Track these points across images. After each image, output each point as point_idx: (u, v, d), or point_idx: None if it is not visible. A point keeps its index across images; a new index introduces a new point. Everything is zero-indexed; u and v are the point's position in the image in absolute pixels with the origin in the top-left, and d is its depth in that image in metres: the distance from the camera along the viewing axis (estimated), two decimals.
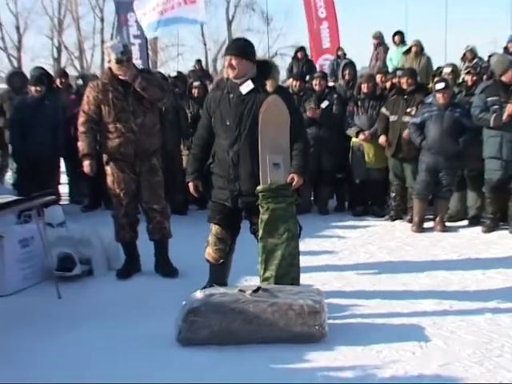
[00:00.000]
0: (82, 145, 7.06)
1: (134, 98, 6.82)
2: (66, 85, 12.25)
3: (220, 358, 4.81)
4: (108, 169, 7.05)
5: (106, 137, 6.94)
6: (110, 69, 6.98)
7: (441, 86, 8.94)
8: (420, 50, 14.21)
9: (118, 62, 6.77)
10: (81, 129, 7.05)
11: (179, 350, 4.99)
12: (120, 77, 6.83)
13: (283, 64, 26.19)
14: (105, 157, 7.08)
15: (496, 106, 8.45)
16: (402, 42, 15.11)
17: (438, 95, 8.92)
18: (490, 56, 13.16)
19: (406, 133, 9.11)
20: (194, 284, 5.69)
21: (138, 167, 7.00)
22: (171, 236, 7.21)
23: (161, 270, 7.13)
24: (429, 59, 14.17)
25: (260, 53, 32.52)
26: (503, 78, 8.70)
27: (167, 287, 6.59)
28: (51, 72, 13.44)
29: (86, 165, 7.04)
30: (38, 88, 9.91)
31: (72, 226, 7.94)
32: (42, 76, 10.78)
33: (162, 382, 4.46)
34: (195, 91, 10.76)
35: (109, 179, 7.05)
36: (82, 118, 7.03)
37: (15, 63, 41.90)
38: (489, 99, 8.59)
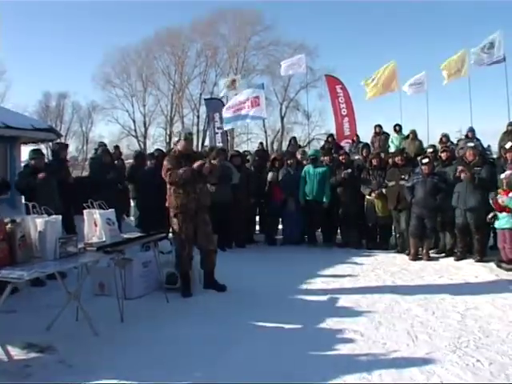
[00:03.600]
0: None
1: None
2: None
3: None
4: (175, 220, 6.74)
5: (177, 196, 6.68)
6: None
7: (425, 161, 9.01)
8: (414, 136, 14.06)
9: (186, 138, 6.88)
10: None
11: None
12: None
13: (318, 145, 26.09)
14: (173, 211, 6.74)
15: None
16: (400, 130, 14.97)
17: (423, 167, 8.97)
18: (458, 141, 13.05)
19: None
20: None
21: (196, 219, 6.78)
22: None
23: (214, 287, 6.93)
24: (421, 142, 13.98)
25: (302, 138, 32.97)
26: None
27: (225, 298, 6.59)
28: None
29: None
30: (152, 161, 10.49)
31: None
32: (154, 154, 11.27)
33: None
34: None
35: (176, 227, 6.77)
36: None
37: (142, 146, 44.03)
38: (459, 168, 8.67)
